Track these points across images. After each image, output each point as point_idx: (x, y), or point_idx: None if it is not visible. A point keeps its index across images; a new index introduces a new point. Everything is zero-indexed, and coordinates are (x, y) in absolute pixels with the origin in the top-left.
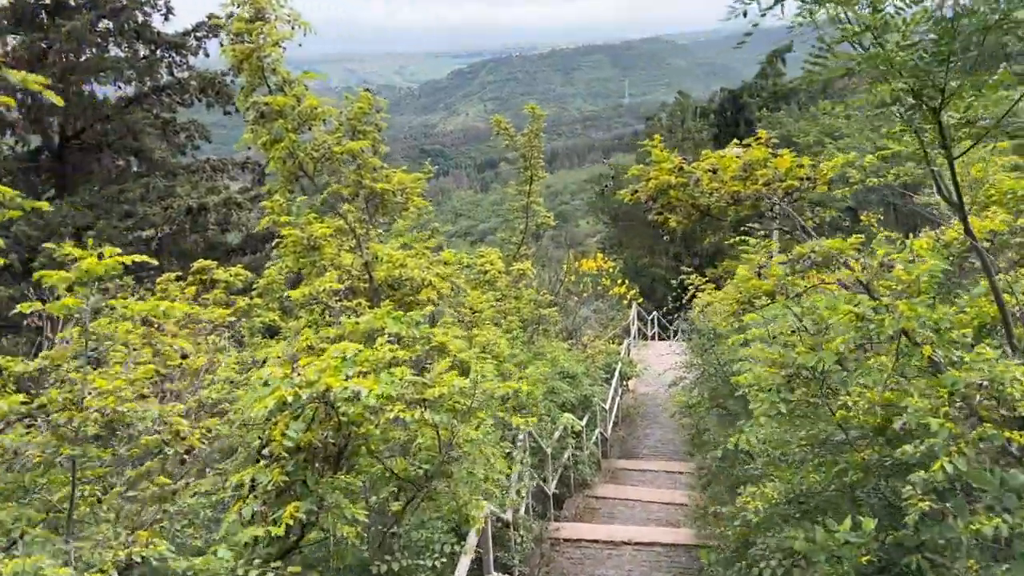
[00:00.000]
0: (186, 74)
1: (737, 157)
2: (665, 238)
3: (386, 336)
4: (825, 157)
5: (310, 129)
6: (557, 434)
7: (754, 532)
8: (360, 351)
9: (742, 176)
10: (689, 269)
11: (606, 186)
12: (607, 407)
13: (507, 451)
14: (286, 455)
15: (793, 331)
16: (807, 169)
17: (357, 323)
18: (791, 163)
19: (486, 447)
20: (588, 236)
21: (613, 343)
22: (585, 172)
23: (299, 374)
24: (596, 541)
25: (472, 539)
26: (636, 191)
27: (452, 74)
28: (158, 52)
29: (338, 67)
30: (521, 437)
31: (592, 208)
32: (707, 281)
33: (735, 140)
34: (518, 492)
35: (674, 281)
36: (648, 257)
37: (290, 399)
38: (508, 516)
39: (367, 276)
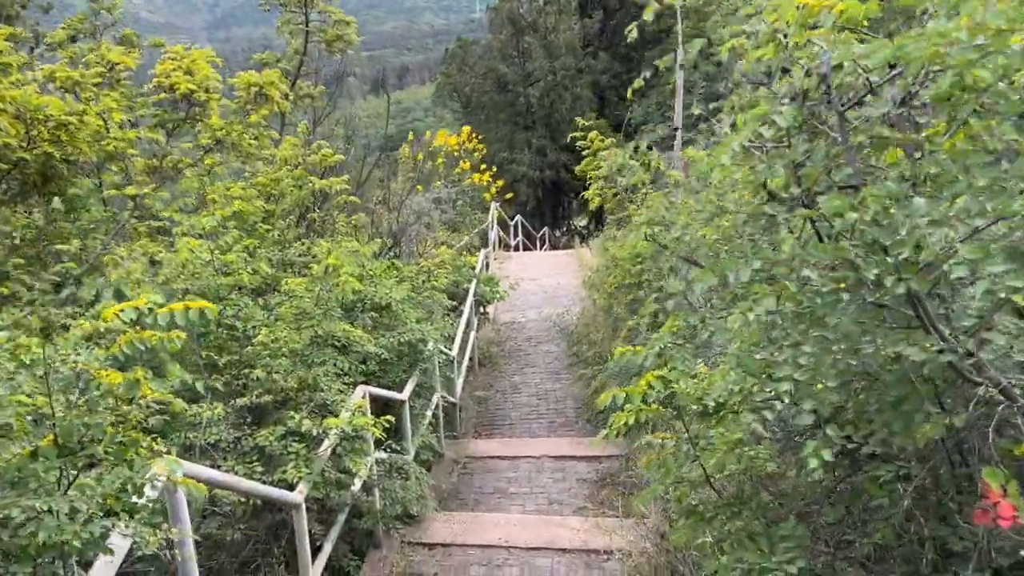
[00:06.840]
0: None
1: None
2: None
3: None
4: None
5: None
6: (323, 447)
7: None
8: None
9: None
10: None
11: (452, 63)
12: (454, 352)
13: None
14: None
15: None
16: None
17: None
18: None
19: None
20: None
21: (466, 255)
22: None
23: None
24: None
25: None
26: None
27: None
28: None
29: None
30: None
31: (440, 94)
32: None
33: None
34: None
35: (536, 174)
36: (507, 151)
37: None
38: None
39: None
